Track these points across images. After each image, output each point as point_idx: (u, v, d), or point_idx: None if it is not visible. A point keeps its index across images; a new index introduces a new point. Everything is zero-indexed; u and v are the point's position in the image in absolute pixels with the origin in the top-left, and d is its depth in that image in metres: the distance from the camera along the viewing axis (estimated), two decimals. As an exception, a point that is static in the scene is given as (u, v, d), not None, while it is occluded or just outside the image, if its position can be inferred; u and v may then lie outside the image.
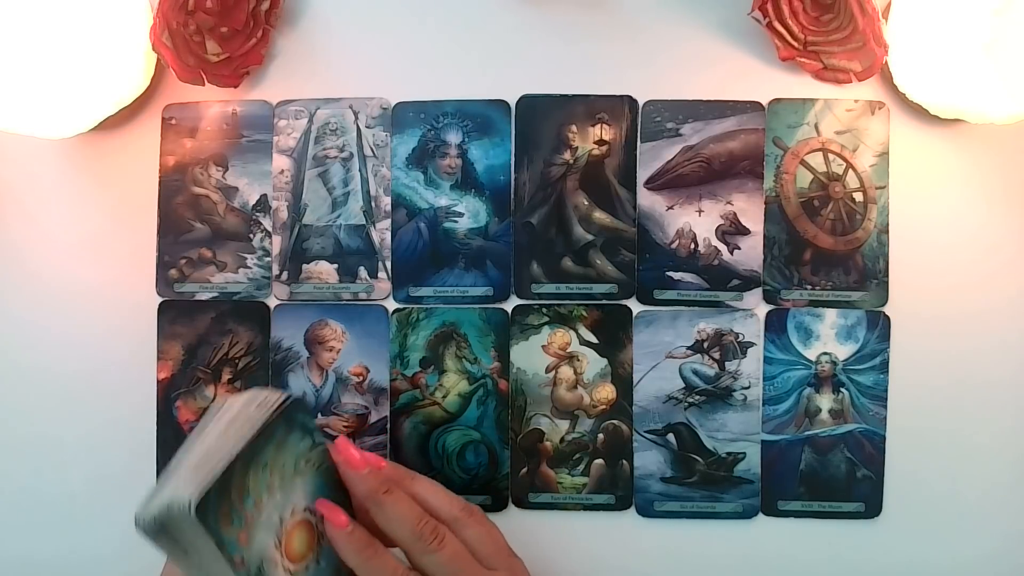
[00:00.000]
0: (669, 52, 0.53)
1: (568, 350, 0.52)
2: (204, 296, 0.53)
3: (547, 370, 0.52)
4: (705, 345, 0.52)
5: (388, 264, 0.53)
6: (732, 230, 0.52)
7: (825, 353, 0.52)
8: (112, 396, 0.53)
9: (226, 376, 0.53)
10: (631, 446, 0.52)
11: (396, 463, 0.45)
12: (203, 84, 0.51)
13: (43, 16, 0.45)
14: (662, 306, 0.52)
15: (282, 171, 0.53)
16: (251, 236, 0.53)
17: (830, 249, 0.52)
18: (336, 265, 0.53)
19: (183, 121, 0.54)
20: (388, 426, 0.52)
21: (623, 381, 0.52)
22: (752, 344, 0.52)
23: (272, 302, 0.53)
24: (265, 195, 0.53)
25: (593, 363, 0.52)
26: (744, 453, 0.52)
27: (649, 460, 0.52)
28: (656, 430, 0.52)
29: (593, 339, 0.52)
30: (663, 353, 0.52)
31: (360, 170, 0.53)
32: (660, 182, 0.52)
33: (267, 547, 0.39)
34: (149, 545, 0.37)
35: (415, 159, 0.53)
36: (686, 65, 0.52)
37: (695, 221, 0.52)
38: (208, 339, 0.53)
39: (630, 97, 0.52)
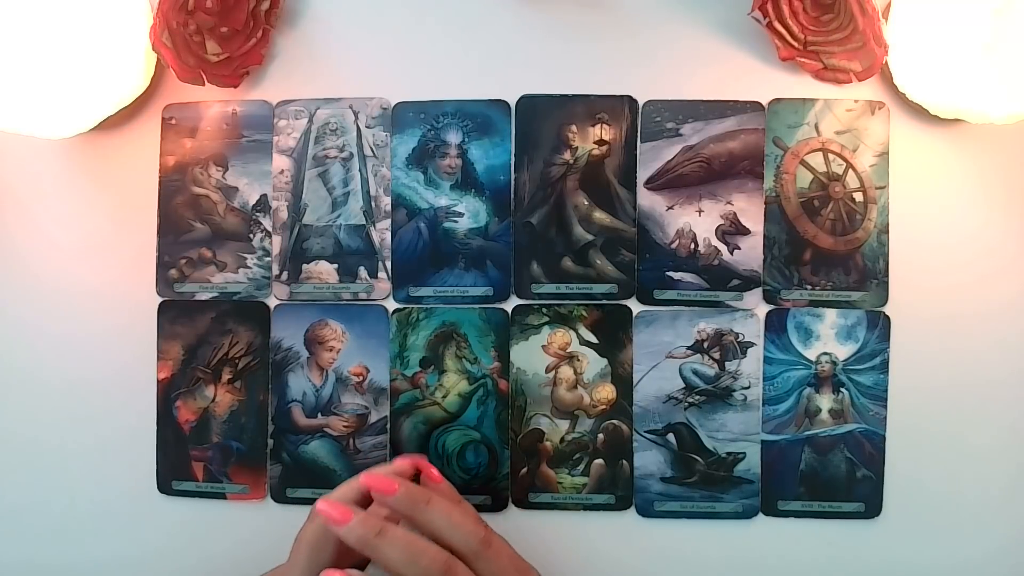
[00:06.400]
0: (669, 52, 0.53)
1: (568, 350, 0.52)
2: (204, 296, 0.53)
3: (547, 370, 0.52)
4: (705, 345, 0.52)
5: (388, 264, 0.53)
6: (732, 230, 0.52)
7: (825, 353, 0.52)
8: (112, 396, 0.53)
9: (226, 376, 0.53)
10: (631, 446, 0.52)
11: (412, 484, 0.43)
12: (203, 84, 0.51)
13: (43, 16, 0.45)
14: (662, 306, 0.52)
15: (282, 171, 0.53)
16: (251, 236, 0.53)
17: (830, 249, 0.52)
18: (336, 265, 0.53)
19: (183, 121, 0.54)
20: (388, 426, 0.52)
21: (623, 381, 0.52)
22: (752, 344, 0.52)
23: (272, 302, 0.53)
24: (265, 195, 0.53)
25: (593, 363, 0.52)
26: (744, 453, 0.52)
27: (649, 460, 0.52)
28: (656, 430, 0.52)
29: (593, 339, 0.52)
30: (663, 353, 0.52)
31: (360, 170, 0.53)
32: (660, 182, 0.52)
33: None
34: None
35: (415, 159, 0.53)
36: (686, 65, 0.52)
37: (695, 221, 0.52)
38: (208, 339, 0.53)
39: (630, 97, 0.52)
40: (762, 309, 0.52)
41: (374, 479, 0.42)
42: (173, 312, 0.53)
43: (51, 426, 0.54)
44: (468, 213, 0.53)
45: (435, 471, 0.47)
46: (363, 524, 0.41)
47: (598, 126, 0.52)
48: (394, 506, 0.42)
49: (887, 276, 0.52)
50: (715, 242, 0.52)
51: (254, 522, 0.53)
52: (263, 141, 0.53)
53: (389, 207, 0.53)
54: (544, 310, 0.52)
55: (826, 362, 0.52)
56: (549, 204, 0.53)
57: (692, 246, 0.52)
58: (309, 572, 0.42)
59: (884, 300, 0.52)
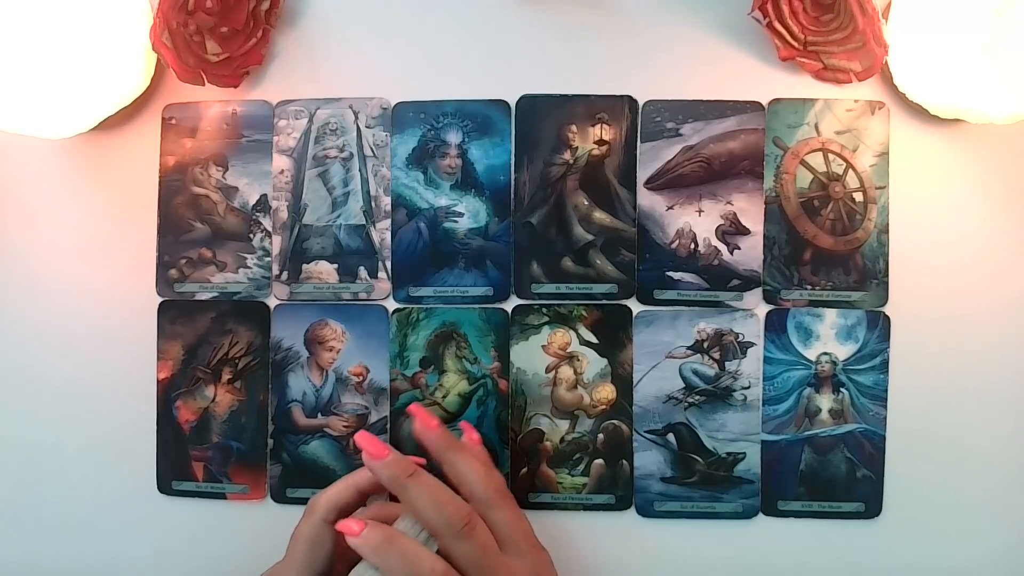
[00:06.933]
0: (669, 52, 0.53)
1: (568, 350, 0.52)
2: (204, 296, 0.53)
3: (547, 370, 0.52)
4: (705, 345, 0.52)
5: (388, 264, 0.53)
6: (732, 230, 0.52)
7: (825, 353, 0.52)
8: (112, 396, 0.53)
9: (226, 376, 0.53)
10: (631, 446, 0.52)
11: (447, 429, 0.46)
12: (203, 84, 0.51)
13: (43, 16, 0.45)
14: (662, 306, 0.52)
15: (282, 171, 0.53)
16: (251, 236, 0.53)
17: (830, 249, 0.52)
18: (336, 265, 0.53)
19: (183, 121, 0.54)
20: (388, 426, 0.52)
21: (623, 381, 0.52)
22: (752, 344, 0.52)
23: (272, 302, 0.53)
24: (265, 195, 0.53)
25: (593, 363, 0.52)
26: (744, 453, 0.52)
27: (649, 460, 0.52)
28: (656, 430, 0.52)
29: (593, 339, 0.52)
30: (663, 353, 0.52)
31: (360, 170, 0.53)
32: (660, 182, 0.52)
33: None
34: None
35: (415, 159, 0.53)
36: (686, 65, 0.52)
37: (695, 221, 0.52)
38: (208, 339, 0.53)
39: (630, 97, 0.52)
40: (762, 309, 0.52)
41: (420, 410, 0.46)
42: (173, 312, 0.53)
43: (51, 426, 0.54)
44: (468, 213, 0.53)
45: (476, 433, 0.48)
46: (398, 463, 0.42)
47: (598, 126, 0.52)
48: (428, 442, 0.45)
49: (887, 276, 0.52)
50: (715, 242, 0.52)
51: (254, 522, 0.53)
52: (263, 141, 0.53)
53: (389, 207, 0.53)
54: (544, 310, 0.52)
55: (826, 362, 0.52)
56: (549, 204, 0.53)
57: (692, 246, 0.52)
58: (307, 569, 0.43)
59: (884, 300, 0.52)
